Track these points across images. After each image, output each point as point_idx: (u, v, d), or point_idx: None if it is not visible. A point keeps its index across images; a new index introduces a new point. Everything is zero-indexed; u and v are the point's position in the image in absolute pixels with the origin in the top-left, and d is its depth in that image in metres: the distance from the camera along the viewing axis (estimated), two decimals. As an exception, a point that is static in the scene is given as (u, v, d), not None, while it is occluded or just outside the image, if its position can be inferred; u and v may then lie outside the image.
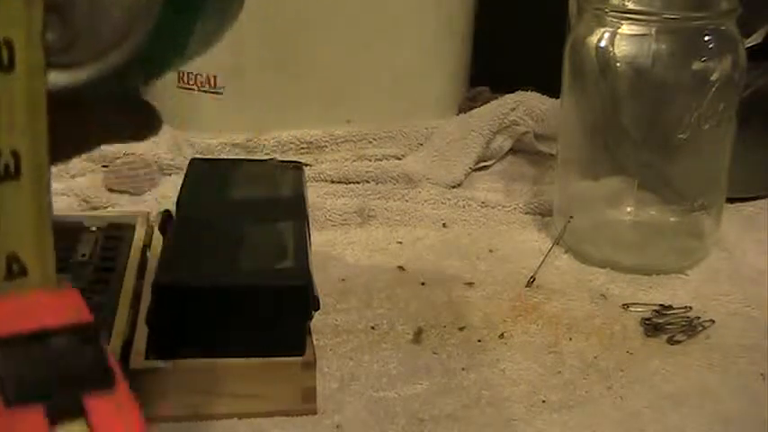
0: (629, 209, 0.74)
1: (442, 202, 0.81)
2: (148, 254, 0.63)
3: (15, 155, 0.25)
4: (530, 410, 0.53)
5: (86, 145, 0.33)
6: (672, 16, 0.66)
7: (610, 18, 0.67)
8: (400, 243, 0.74)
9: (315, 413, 0.52)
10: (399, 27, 0.89)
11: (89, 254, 0.62)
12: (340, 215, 0.77)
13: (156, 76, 0.30)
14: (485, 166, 0.88)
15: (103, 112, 0.32)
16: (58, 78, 0.28)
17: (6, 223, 0.26)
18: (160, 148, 0.83)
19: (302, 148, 0.86)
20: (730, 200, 0.75)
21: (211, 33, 0.35)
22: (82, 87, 0.28)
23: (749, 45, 0.72)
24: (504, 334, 0.61)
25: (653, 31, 0.67)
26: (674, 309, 0.64)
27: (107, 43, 0.28)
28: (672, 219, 0.74)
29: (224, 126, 0.88)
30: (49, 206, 0.26)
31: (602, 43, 0.68)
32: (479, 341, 0.60)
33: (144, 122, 0.34)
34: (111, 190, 0.79)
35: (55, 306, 0.26)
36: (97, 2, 0.28)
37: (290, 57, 0.85)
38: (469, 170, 0.86)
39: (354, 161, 0.86)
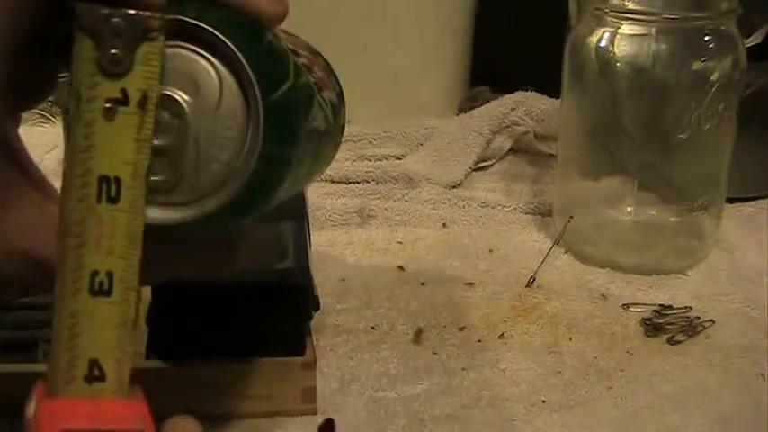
0: (629, 209, 0.74)
1: (442, 202, 0.81)
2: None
3: (110, 275, 0.29)
4: (530, 410, 0.53)
5: (161, 275, 0.36)
6: (672, 16, 0.66)
7: (610, 18, 0.67)
8: (400, 243, 0.74)
9: (315, 413, 0.52)
10: (399, 27, 0.89)
11: (89, 254, 0.62)
12: (340, 215, 0.77)
13: (242, 221, 0.33)
14: (485, 166, 0.88)
15: (185, 246, 0.35)
16: (156, 214, 0.31)
17: (93, 332, 0.29)
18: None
19: (302, 148, 0.86)
20: (730, 200, 0.75)
21: (301, 179, 0.38)
22: (175, 227, 0.31)
23: (749, 45, 0.72)
24: (504, 334, 0.61)
25: (653, 31, 0.67)
26: (674, 309, 0.64)
27: (206, 191, 0.31)
28: (672, 219, 0.74)
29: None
30: (132, 322, 0.30)
31: (602, 43, 0.68)
32: (479, 341, 0.60)
33: (223, 256, 0.37)
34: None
35: (123, 412, 0.29)
36: (202, 152, 0.31)
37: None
38: (469, 170, 0.86)
39: (354, 161, 0.86)
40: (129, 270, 0.30)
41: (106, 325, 0.29)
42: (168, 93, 0.30)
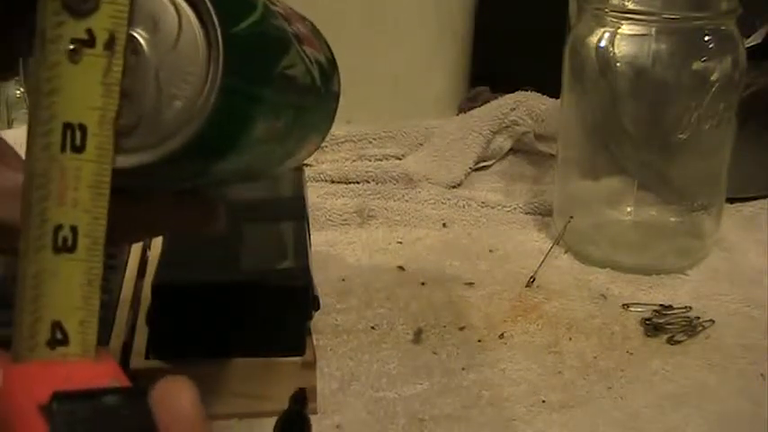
0: (629, 209, 0.74)
1: (442, 202, 0.81)
2: (148, 254, 0.63)
3: (74, 230, 0.27)
4: (530, 410, 0.53)
5: (140, 234, 0.34)
6: (672, 16, 0.66)
7: (610, 18, 0.67)
8: (400, 243, 0.74)
9: (315, 413, 0.52)
10: (399, 27, 0.89)
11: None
12: (340, 215, 0.77)
13: (212, 165, 0.31)
14: (485, 166, 0.88)
15: (161, 203, 0.34)
16: (118, 160, 0.29)
17: (56, 292, 0.27)
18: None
19: (302, 148, 0.86)
20: (730, 200, 0.75)
21: (284, 137, 0.36)
22: (139, 171, 0.29)
23: (749, 45, 0.72)
24: (504, 334, 0.61)
25: (653, 31, 0.67)
26: (674, 309, 0.64)
27: (168, 131, 0.29)
28: (672, 219, 0.74)
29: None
30: (99, 279, 0.28)
31: (602, 43, 0.68)
32: (479, 341, 0.60)
33: (203, 214, 0.36)
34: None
35: (95, 373, 0.27)
36: (164, 90, 0.29)
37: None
38: (469, 170, 0.86)
39: (354, 161, 0.86)
40: (96, 224, 0.27)
41: (70, 284, 0.27)
42: None
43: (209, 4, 0.28)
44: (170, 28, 0.29)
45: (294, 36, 0.35)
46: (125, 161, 0.29)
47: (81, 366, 0.27)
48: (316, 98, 0.39)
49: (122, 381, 0.27)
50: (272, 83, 0.32)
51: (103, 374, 0.27)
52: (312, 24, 0.41)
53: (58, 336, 0.27)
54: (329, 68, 0.41)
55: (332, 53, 0.42)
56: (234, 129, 0.30)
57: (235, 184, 0.36)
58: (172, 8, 0.29)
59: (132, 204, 0.30)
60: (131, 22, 0.29)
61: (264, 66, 0.31)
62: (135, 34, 0.29)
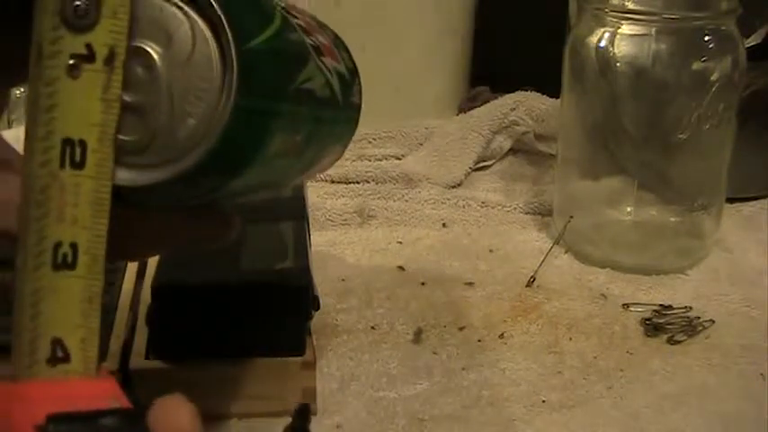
0: (629, 209, 0.74)
1: (442, 202, 0.81)
2: (148, 254, 0.63)
3: (74, 246, 0.27)
4: (530, 410, 0.53)
5: (153, 248, 0.35)
6: (672, 16, 0.66)
7: (610, 18, 0.67)
8: (400, 243, 0.74)
9: (315, 413, 0.52)
10: (399, 27, 0.89)
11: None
12: (340, 215, 0.77)
13: (228, 183, 0.30)
14: (485, 166, 0.88)
15: (174, 217, 0.33)
16: (130, 177, 0.28)
17: (56, 309, 0.27)
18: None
19: (302, 148, 0.86)
20: (730, 200, 0.75)
21: (304, 150, 0.35)
22: (153, 188, 0.29)
23: (749, 45, 0.72)
24: (504, 334, 0.61)
25: (653, 31, 0.67)
26: (674, 309, 0.64)
27: (182, 148, 0.28)
28: (672, 219, 0.74)
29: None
30: (100, 297, 0.28)
31: (602, 43, 0.68)
32: (479, 341, 0.60)
33: (217, 226, 0.35)
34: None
35: (95, 392, 0.27)
36: (177, 107, 0.28)
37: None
38: (469, 170, 0.86)
39: (354, 161, 0.86)
40: (96, 241, 0.27)
41: (70, 301, 0.27)
42: (138, 44, 0.28)
43: (223, 20, 0.28)
44: (184, 43, 0.28)
45: (313, 48, 0.35)
46: (139, 178, 0.28)
47: (81, 385, 0.27)
48: (335, 110, 0.38)
49: (122, 401, 0.27)
50: (289, 98, 0.31)
51: (104, 394, 0.27)
52: (334, 34, 0.41)
53: (59, 353, 0.27)
54: (350, 78, 0.40)
55: (353, 62, 0.42)
56: (249, 146, 0.29)
57: (251, 195, 0.36)
58: (186, 23, 0.28)
59: (145, 219, 0.30)
60: (144, 36, 0.28)
61: (281, 81, 0.31)
62: (148, 48, 0.28)
